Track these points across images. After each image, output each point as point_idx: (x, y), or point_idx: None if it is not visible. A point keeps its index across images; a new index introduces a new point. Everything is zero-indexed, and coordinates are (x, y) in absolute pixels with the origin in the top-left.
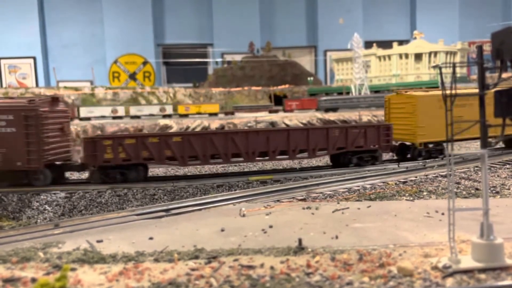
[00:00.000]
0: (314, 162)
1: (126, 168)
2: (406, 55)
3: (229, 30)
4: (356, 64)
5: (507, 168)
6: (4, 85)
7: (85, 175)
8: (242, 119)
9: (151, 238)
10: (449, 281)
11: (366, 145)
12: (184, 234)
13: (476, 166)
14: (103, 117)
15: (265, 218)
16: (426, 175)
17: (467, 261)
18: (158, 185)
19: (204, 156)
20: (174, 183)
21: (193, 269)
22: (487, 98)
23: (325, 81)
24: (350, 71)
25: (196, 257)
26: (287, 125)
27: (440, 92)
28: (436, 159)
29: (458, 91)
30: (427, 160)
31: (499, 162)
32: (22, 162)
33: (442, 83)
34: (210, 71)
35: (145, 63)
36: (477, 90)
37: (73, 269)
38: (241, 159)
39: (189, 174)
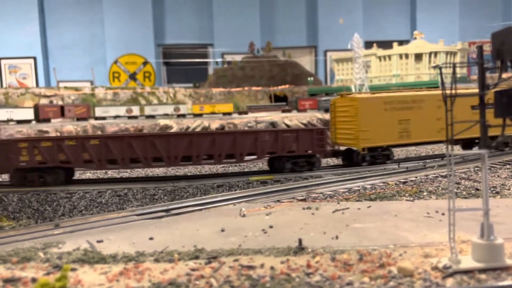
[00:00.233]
0: None
1: (44, 171)
2: (406, 55)
3: (229, 30)
4: (356, 64)
5: (507, 168)
6: (4, 85)
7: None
8: (242, 119)
9: (151, 238)
10: (449, 281)
11: (298, 150)
12: (184, 234)
13: (476, 167)
14: (118, 116)
15: (265, 218)
16: (426, 175)
17: (468, 262)
18: (158, 185)
19: (123, 160)
20: (174, 183)
21: (193, 269)
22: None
23: (325, 81)
24: (350, 71)
25: (196, 257)
26: (287, 125)
27: (385, 95)
28: (384, 164)
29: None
30: (427, 161)
31: (499, 162)
32: None
33: (442, 83)
34: (210, 71)
35: (145, 63)
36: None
37: (73, 269)
38: (162, 163)
39: (189, 174)
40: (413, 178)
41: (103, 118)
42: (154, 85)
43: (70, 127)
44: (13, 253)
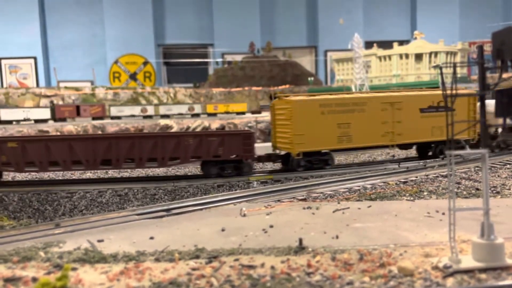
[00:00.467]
0: None
1: None
2: (407, 55)
3: (229, 31)
4: (357, 64)
5: (508, 168)
6: (5, 85)
7: (87, 174)
8: (243, 119)
9: (152, 238)
10: (450, 281)
11: (225, 154)
12: (184, 233)
13: (477, 166)
14: (132, 116)
15: (265, 218)
16: (427, 175)
17: (468, 261)
18: (159, 185)
19: (41, 163)
20: (174, 183)
21: (194, 269)
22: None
23: (325, 81)
24: (351, 71)
25: (197, 257)
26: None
27: (322, 97)
28: (324, 169)
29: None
30: (428, 160)
31: (500, 162)
32: None
33: (443, 83)
34: (211, 71)
35: (145, 63)
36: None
37: (74, 269)
38: (82, 167)
39: (189, 174)
40: (414, 178)
41: (118, 117)
42: (155, 85)
43: (70, 127)
44: (14, 253)
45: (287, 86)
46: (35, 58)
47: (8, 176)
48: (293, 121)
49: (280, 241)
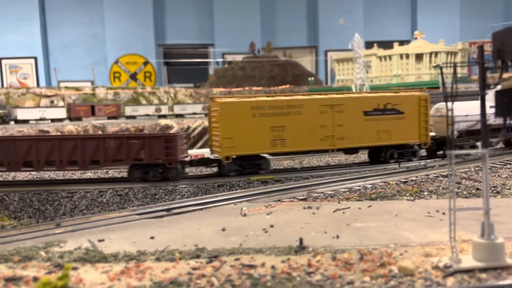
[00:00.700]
0: (315, 161)
1: None
2: (407, 55)
3: (230, 30)
4: (357, 64)
5: (508, 168)
6: (5, 85)
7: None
8: None
9: (152, 238)
10: (450, 280)
11: (148, 158)
12: (185, 233)
13: (477, 166)
14: (147, 115)
15: (266, 217)
16: (427, 175)
17: (468, 261)
18: (159, 185)
19: None
20: (175, 183)
21: (194, 268)
22: (303, 108)
23: (325, 81)
24: (351, 71)
25: (198, 257)
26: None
27: (254, 99)
28: (255, 174)
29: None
30: (428, 160)
31: (500, 162)
32: None
33: (443, 83)
34: (211, 71)
35: (146, 63)
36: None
37: (74, 268)
38: (4, 169)
39: (190, 174)
40: (414, 178)
41: (133, 117)
42: (155, 85)
43: (70, 127)
44: (15, 252)
45: (288, 86)
46: (35, 58)
47: (9, 176)
48: (222, 124)
49: (280, 240)
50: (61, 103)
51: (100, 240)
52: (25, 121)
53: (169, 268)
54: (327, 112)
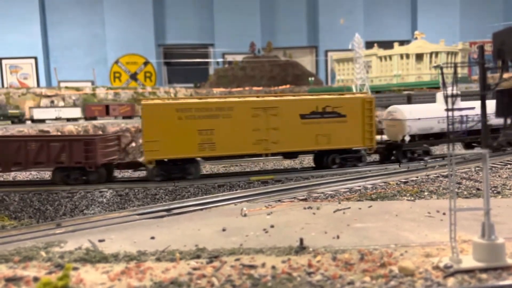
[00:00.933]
0: None
1: None
2: (407, 56)
3: (230, 31)
4: (357, 65)
5: (508, 168)
6: (5, 85)
7: None
8: None
9: (152, 238)
10: (450, 280)
11: (69, 161)
12: (185, 233)
13: (477, 166)
14: None
15: (266, 218)
16: (427, 175)
17: (469, 261)
18: (160, 185)
19: None
20: (175, 183)
21: (194, 269)
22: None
23: (326, 81)
24: (351, 71)
25: (198, 257)
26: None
27: (179, 101)
28: (183, 180)
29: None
30: (429, 160)
31: (500, 162)
32: None
33: (444, 83)
34: (211, 71)
35: (146, 63)
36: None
37: (75, 268)
38: None
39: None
40: (414, 178)
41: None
42: (155, 85)
43: (70, 127)
44: (15, 252)
45: (288, 86)
46: (35, 58)
47: (9, 176)
48: (145, 126)
49: (281, 241)
50: (71, 103)
51: (100, 240)
52: (42, 121)
53: (169, 268)
54: (260, 115)
